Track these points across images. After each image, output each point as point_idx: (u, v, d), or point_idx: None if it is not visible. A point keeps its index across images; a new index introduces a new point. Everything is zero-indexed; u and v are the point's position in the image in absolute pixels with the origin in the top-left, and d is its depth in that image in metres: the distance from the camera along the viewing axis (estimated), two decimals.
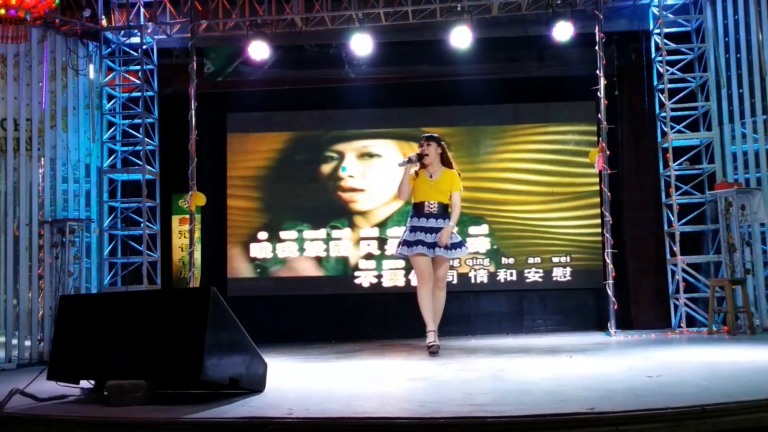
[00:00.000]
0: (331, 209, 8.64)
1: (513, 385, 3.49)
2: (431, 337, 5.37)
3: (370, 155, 8.67)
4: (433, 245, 5.29)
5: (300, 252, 8.58)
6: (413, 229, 5.38)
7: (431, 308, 5.36)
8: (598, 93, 7.35)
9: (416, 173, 5.50)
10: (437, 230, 5.32)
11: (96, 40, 7.77)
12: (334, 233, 8.58)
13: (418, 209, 5.44)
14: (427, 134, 5.57)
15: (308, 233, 8.59)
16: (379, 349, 6.31)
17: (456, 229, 5.45)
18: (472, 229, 8.46)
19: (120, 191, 7.96)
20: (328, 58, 8.20)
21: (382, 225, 8.56)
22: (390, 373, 4.30)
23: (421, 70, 8.40)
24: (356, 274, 8.53)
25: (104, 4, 7.78)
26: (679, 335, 6.85)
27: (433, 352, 5.29)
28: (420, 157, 5.44)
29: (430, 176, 5.45)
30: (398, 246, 5.46)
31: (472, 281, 8.43)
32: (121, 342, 3.32)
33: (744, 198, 6.88)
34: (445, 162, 5.54)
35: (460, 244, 5.42)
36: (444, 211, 5.43)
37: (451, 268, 8.34)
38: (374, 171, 8.61)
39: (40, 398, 3.34)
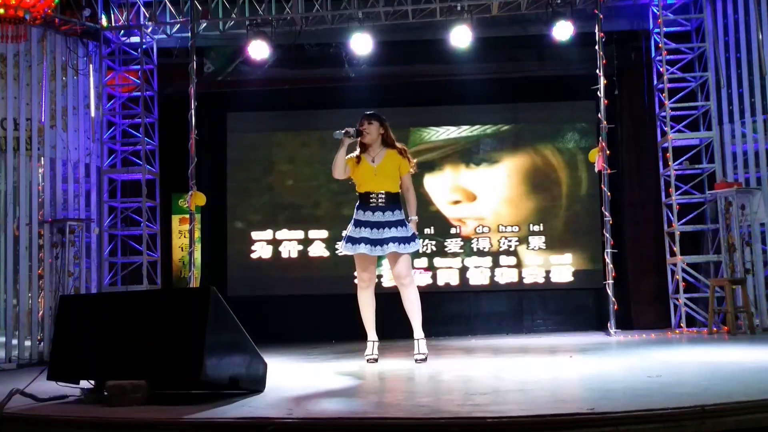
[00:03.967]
0: (332, 209, 8.63)
1: (513, 385, 3.49)
2: (370, 348, 4.90)
3: None
4: (378, 242, 4.69)
5: (300, 252, 8.57)
6: (357, 224, 4.77)
7: (372, 314, 4.89)
8: (598, 92, 7.35)
9: (357, 158, 4.86)
10: (384, 225, 4.72)
11: (96, 40, 7.77)
12: (335, 233, 8.56)
13: (363, 201, 4.81)
14: (368, 112, 4.91)
15: (308, 233, 8.58)
16: (379, 349, 6.29)
17: (416, 219, 4.88)
18: (471, 230, 8.47)
19: (120, 191, 7.96)
20: (328, 57, 8.19)
21: None
22: (390, 373, 4.30)
23: (420, 69, 8.40)
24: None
25: (104, 4, 7.77)
26: (679, 335, 6.85)
27: (371, 361, 4.83)
28: (359, 133, 4.78)
29: (372, 161, 4.82)
30: (343, 242, 4.86)
31: (472, 281, 8.43)
32: (121, 342, 3.32)
33: (744, 198, 6.88)
34: (388, 143, 4.88)
35: (413, 237, 4.76)
36: (393, 201, 4.80)
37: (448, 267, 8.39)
38: None
39: (40, 398, 3.34)
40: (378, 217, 4.75)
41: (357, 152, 4.89)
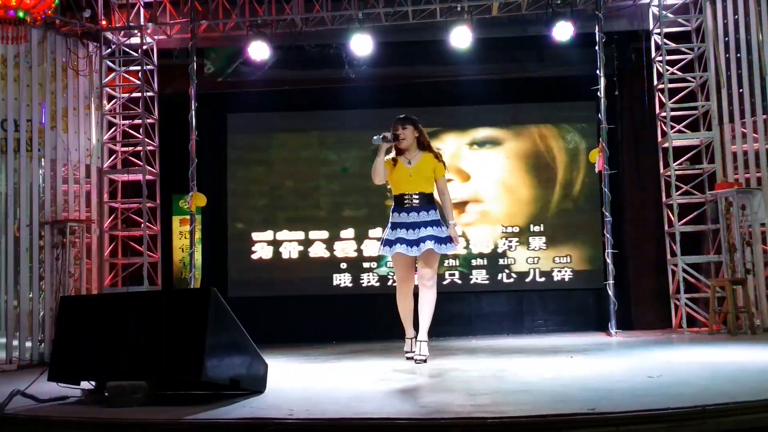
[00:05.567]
0: (333, 210, 8.63)
1: (513, 386, 3.49)
2: (409, 345, 4.95)
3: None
4: (415, 242, 4.69)
5: (301, 253, 8.57)
6: (394, 226, 4.80)
7: (409, 313, 4.92)
8: (598, 93, 7.36)
9: (393, 161, 4.87)
10: (420, 224, 4.72)
11: (96, 41, 7.77)
12: (335, 233, 8.56)
13: (398, 203, 4.83)
14: (401, 115, 4.91)
15: (309, 234, 8.58)
16: (381, 349, 6.29)
17: (453, 223, 4.89)
18: (472, 230, 8.46)
19: (120, 192, 7.96)
20: (328, 58, 8.18)
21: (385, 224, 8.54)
22: (390, 374, 4.30)
23: (421, 70, 8.39)
24: (358, 274, 8.52)
25: (104, 5, 7.77)
26: (680, 335, 6.85)
27: (409, 358, 4.85)
28: (396, 137, 4.79)
29: (408, 162, 4.83)
30: (380, 245, 4.89)
31: (473, 282, 8.42)
32: (121, 343, 3.33)
33: (744, 198, 6.88)
34: (424, 146, 4.90)
35: (448, 239, 4.79)
36: (428, 201, 4.81)
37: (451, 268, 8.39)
38: None
39: (41, 399, 3.34)
40: (413, 217, 4.76)
41: (393, 154, 4.90)
